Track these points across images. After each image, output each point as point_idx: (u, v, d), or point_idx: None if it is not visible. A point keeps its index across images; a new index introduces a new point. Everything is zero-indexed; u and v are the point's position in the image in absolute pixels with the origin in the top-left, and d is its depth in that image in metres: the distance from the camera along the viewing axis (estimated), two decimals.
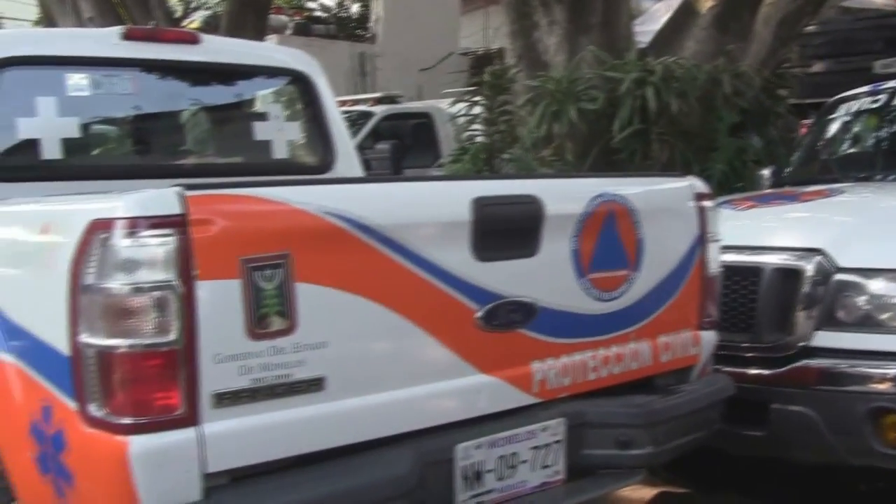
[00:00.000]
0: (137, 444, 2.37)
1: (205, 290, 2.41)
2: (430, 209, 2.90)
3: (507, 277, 3.01)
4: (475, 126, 9.08)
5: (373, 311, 2.71)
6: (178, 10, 21.79)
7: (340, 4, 24.87)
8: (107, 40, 4.44)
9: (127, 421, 2.38)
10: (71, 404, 2.48)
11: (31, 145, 4.17)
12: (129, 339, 2.37)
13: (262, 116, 4.83)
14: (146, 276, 2.36)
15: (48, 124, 4.20)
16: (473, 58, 19.26)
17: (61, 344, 2.49)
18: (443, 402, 2.93)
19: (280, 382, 2.54)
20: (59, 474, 2.55)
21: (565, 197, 3.26)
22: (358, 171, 5.07)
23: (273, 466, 2.58)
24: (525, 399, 3.12)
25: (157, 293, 2.36)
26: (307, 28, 21.98)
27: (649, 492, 4.82)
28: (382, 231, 2.70)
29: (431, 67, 18.33)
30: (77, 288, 2.43)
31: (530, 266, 3.09)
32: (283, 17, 21.85)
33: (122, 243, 2.36)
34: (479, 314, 2.94)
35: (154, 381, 2.38)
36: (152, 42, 4.56)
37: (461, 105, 9.61)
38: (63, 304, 2.47)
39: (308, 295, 2.57)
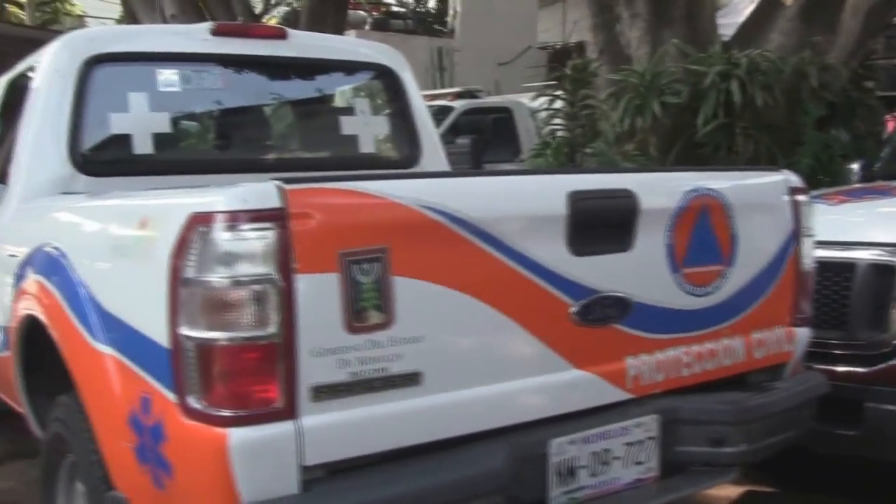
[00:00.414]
0: (236, 436, 2.38)
1: (304, 284, 2.41)
2: (526, 203, 2.87)
3: (603, 272, 2.98)
4: (556, 120, 9.03)
5: (468, 305, 2.70)
6: (258, 5, 21.97)
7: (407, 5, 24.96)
8: (196, 36, 4.49)
9: (226, 413, 2.39)
10: (170, 396, 2.50)
11: (122, 140, 4.24)
12: (228, 332, 2.38)
13: (348, 111, 4.84)
14: (246, 269, 2.37)
15: (139, 120, 4.26)
16: (552, 52, 19.19)
17: (161, 336, 2.52)
18: (537, 398, 2.90)
19: (377, 376, 2.54)
20: (157, 465, 2.58)
21: (660, 191, 3.21)
22: (444, 166, 5.07)
23: (369, 460, 2.58)
24: (619, 395, 3.09)
25: (256, 286, 2.37)
26: (385, 23, 22.10)
27: (735, 490, 4.75)
28: (478, 225, 2.68)
29: (510, 62, 18.30)
30: (177, 281, 2.44)
31: (625, 261, 3.05)
32: (362, 13, 21.97)
33: (222, 237, 2.37)
34: (574, 309, 2.91)
35: (253, 374, 2.39)
36: (241, 38, 4.60)
37: (542, 99, 9.58)
38: (162, 298, 2.49)
39: (405, 289, 2.56)
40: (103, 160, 4.26)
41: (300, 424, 2.43)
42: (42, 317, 3.30)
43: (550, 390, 2.92)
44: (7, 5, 30.12)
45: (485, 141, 9.91)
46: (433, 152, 4.96)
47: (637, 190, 3.05)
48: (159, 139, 4.27)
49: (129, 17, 24.69)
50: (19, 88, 4.75)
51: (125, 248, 2.82)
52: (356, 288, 2.48)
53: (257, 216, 2.37)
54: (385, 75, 4.93)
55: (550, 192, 2.91)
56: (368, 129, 4.79)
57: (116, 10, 28.76)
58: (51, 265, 3.28)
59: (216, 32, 4.49)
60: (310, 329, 2.42)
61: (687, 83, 7.33)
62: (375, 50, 5.03)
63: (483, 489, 2.71)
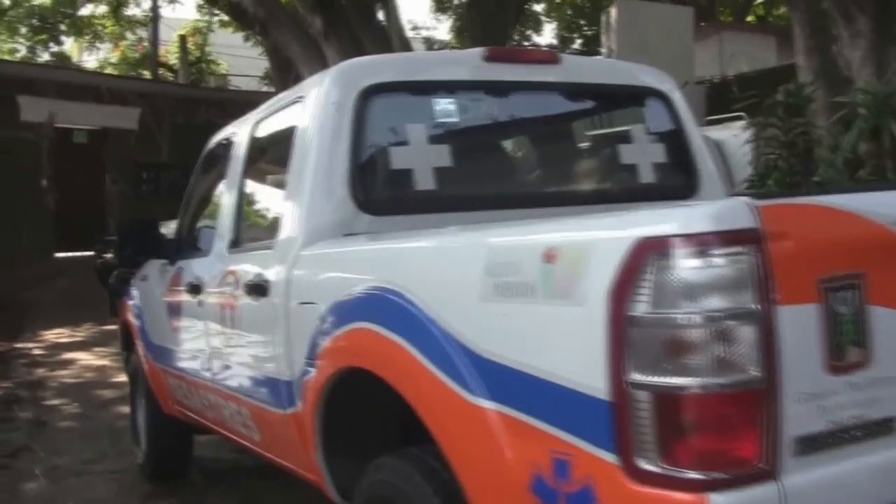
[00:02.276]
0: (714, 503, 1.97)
1: (785, 317, 2.01)
2: None
3: None
4: (767, 149, 8.58)
5: None
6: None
7: (564, 39, 24.71)
8: (469, 63, 4.18)
9: (696, 476, 1.99)
10: (605, 456, 2.11)
11: (403, 176, 3.92)
12: (700, 377, 1.98)
13: (625, 138, 4.46)
14: (718, 302, 1.98)
15: (420, 153, 3.94)
16: (709, 85, 18.65)
17: (588, 385, 2.14)
18: None
19: (854, 424, 2.13)
20: None
21: None
22: (722, 194, 4.65)
23: None
24: None
25: (733, 322, 1.98)
26: None
27: None
28: None
29: None
30: (621, 320, 2.06)
31: None
32: None
33: (685, 264, 1.99)
34: None
35: (732, 427, 1.99)
36: (513, 63, 4.27)
37: (742, 128, 9.15)
38: (594, 340, 2.11)
39: (882, 320, 2.15)
40: (386, 198, 3.94)
41: (782, 485, 2.02)
42: (377, 369, 2.96)
43: None
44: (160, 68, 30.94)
45: None
46: (711, 181, 4.54)
47: None
48: (440, 173, 3.93)
49: (275, 72, 25.08)
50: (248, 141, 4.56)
51: (513, 287, 2.43)
52: (836, 320, 2.08)
53: (730, 238, 1.98)
54: (659, 100, 4.54)
55: None
56: (646, 157, 4.40)
57: (260, 67, 29.27)
58: (387, 311, 2.94)
59: (488, 58, 4.16)
60: (792, 371, 2.03)
61: None
62: (649, 74, 4.64)
63: None
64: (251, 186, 4.76)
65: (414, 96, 4.14)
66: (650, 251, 2.03)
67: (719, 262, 1.98)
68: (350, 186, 3.79)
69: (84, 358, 11.87)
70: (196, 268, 5.02)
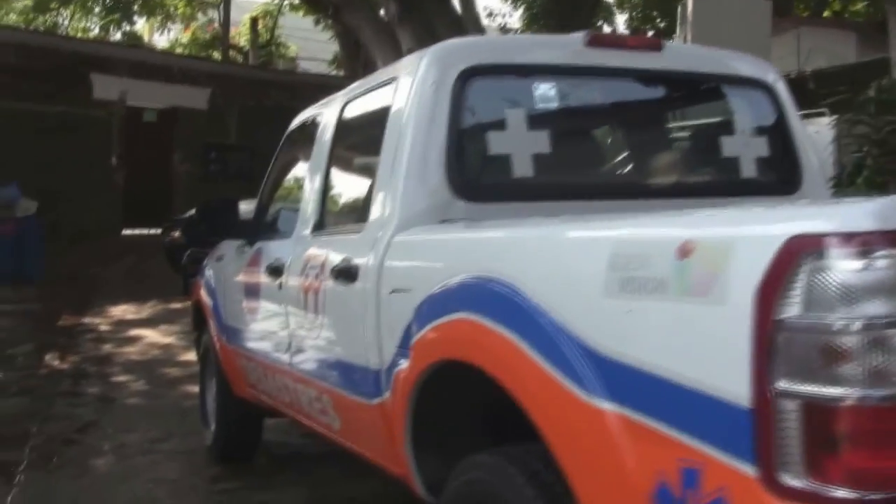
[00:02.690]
0: None
1: None
2: None
3: None
4: (853, 146, 8.32)
5: None
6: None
7: (636, 30, 24.40)
8: (569, 47, 4.01)
9: (848, 494, 1.82)
10: (743, 468, 1.95)
11: (501, 162, 3.77)
12: (856, 388, 1.81)
13: (727, 130, 4.27)
14: (878, 307, 1.80)
15: (518, 138, 3.79)
16: (786, 81, 18.26)
17: (730, 391, 1.97)
18: None
19: None
20: None
21: None
22: (826, 193, 4.46)
23: None
24: None
25: (894, 330, 1.81)
26: None
27: None
28: None
29: None
30: (768, 323, 1.89)
31: None
32: None
33: (843, 266, 1.82)
34: None
35: (891, 444, 1.83)
36: (615, 49, 4.11)
37: (829, 125, 8.89)
38: (737, 343, 1.95)
39: None
40: (483, 184, 3.80)
41: None
42: (482, 362, 2.81)
43: None
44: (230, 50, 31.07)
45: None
46: (814, 178, 4.34)
47: None
48: (538, 160, 3.77)
49: (345, 57, 25.06)
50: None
51: (641, 283, 2.26)
52: None
53: (893, 239, 1.81)
54: (763, 90, 4.35)
55: None
56: (749, 150, 4.21)
57: (329, 51, 29.28)
58: (495, 302, 2.79)
59: (590, 43, 4.00)
60: None
61: None
62: (751, 63, 4.46)
63: None
64: (338, 169, 4.64)
65: (513, 79, 4.00)
66: (804, 250, 1.86)
67: (881, 265, 1.81)
68: (446, 171, 3.65)
69: (150, 335, 11.89)
70: (277, 249, 4.92)
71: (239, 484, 5.92)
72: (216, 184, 22.04)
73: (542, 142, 3.80)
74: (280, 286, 4.68)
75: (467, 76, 3.77)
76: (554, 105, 4.03)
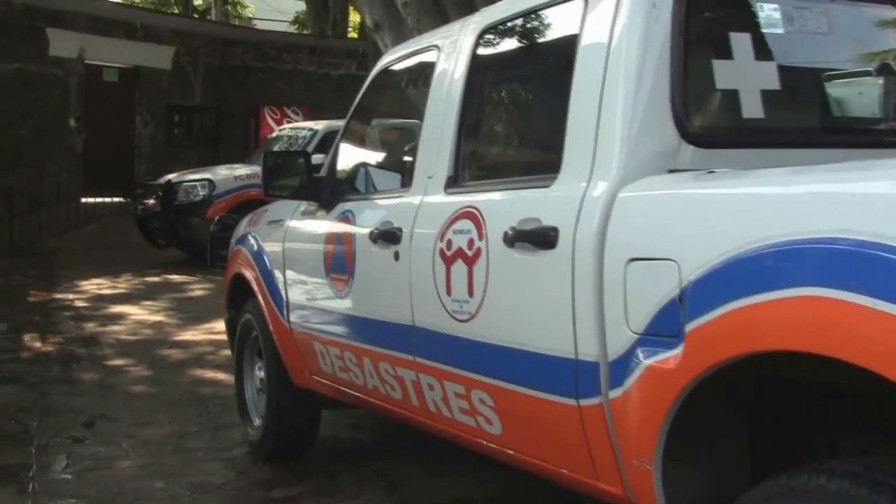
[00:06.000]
0: None
1: None
2: None
3: None
4: None
5: None
6: None
7: None
8: None
9: None
10: None
11: (728, 100, 3.02)
12: None
13: None
14: None
15: (746, 72, 3.01)
16: None
17: None
18: None
19: None
20: None
21: None
22: None
23: None
24: None
25: None
26: None
27: None
28: None
29: None
30: None
31: None
32: None
33: None
34: None
35: None
36: None
37: None
38: None
39: None
40: (713, 126, 3.06)
41: None
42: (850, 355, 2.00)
43: None
44: None
45: None
46: None
47: None
48: (769, 99, 2.99)
49: (312, 13, 24.23)
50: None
51: None
52: None
53: None
54: None
55: None
56: None
57: (288, 12, 28.35)
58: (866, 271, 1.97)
59: None
60: None
61: None
62: None
63: None
64: (482, 111, 3.81)
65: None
66: None
67: None
68: (672, 110, 2.87)
69: (135, 312, 11.01)
70: (382, 212, 4.06)
71: (300, 489, 5.04)
72: (181, 148, 21.19)
73: (769, 77, 3.05)
74: (396, 256, 3.83)
75: None
76: (778, 32, 3.24)
